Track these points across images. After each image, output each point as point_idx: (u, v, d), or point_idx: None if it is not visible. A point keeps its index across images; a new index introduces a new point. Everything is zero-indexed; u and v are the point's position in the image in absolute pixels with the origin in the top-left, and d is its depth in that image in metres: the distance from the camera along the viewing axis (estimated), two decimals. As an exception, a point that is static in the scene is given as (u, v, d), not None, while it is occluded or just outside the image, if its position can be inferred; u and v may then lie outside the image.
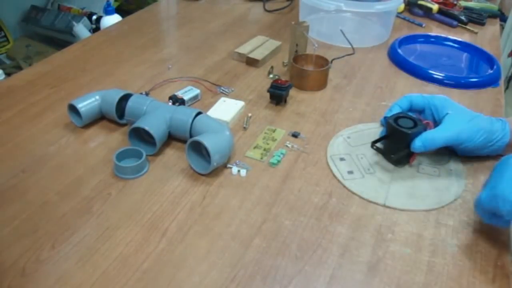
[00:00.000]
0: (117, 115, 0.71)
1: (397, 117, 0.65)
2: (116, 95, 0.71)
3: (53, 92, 0.82)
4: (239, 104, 0.77)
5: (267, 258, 0.52)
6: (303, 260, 0.52)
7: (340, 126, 0.75)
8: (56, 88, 0.83)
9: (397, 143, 0.64)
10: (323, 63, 0.87)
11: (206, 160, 0.64)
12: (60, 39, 2.01)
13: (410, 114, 0.66)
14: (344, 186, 0.63)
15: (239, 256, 0.52)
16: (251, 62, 0.94)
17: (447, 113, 0.63)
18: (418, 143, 0.61)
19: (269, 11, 1.25)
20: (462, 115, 0.63)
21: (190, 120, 0.67)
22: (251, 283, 0.49)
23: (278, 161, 0.66)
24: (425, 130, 0.62)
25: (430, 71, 0.92)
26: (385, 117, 0.68)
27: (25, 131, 0.72)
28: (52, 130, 0.72)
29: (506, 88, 2.27)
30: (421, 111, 0.68)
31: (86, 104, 0.71)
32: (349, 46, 0.93)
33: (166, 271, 0.50)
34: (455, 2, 1.27)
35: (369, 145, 0.65)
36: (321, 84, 0.87)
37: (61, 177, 0.62)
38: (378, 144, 0.65)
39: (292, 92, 0.82)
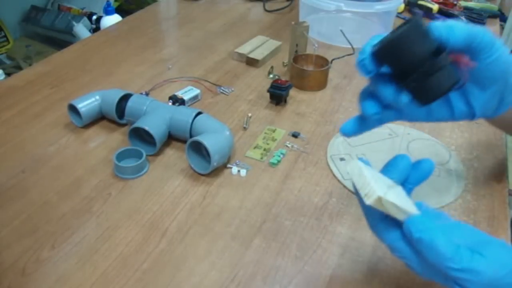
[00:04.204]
0: (117, 115, 0.71)
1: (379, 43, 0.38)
2: (116, 95, 0.71)
3: (53, 92, 0.82)
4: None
5: (267, 258, 0.52)
6: (303, 260, 0.52)
7: (340, 126, 0.75)
8: (56, 88, 0.83)
9: (416, 64, 0.37)
10: (323, 63, 0.87)
11: (206, 160, 0.64)
12: (60, 39, 2.01)
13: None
14: (344, 186, 0.63)
15: (239, 256, 0.52)
16: (251, 62, 0.94)
17: None
18: (440, 23, 0.38)
19: (269, 11, 1.25)
20: None
21: (190, 120, 0.67)
22: (251, 283, 0.49)
23: (278, 161, 0.66)
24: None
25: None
26: (359, 64, 0.39)
27: (25, 131, 0.72)
28: (52, 130, 0.72)
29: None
30: None
31: (86, 104, 0.71)
32: (349, 46, 0.93)
33: (166, 271, 0.50)
34: (455, 2, 1.27)
35: (370, 145, 0.65)
36: (321, 84, 0.87)
37: (61, 177, 0.62)
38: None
39: (292, 92, 0.82)
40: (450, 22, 0.38)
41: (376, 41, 0.39)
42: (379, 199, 0.35)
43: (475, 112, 0.44)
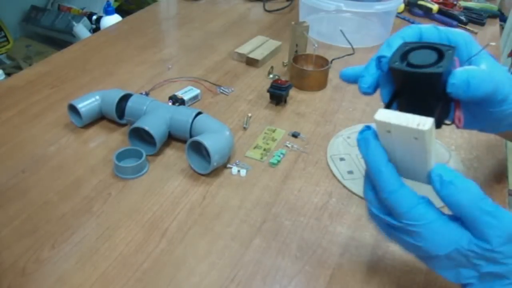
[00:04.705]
0: (117, 115, 0.71)
1: (404, 52, 0.39)
2: (116, 95, 0.71)
3: (53, 92, 0.82)
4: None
5: (267, 258, 0.52)
6: (303, 260, 0.52)
7: (340, 126, 0.75)
8: (56, 88, 0.83)
9: (420, 95, 0.39)
10: (323, 63, 0.87)
11: (206, 160, 0.64)
12: (60, 39, 2.01)
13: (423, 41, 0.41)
14: (344, 186, 0.63)
15: (239, 256, 0.52)
16: (251, 62, 0.94)
17: (476, 56, 0.41)
18: (460, 77, 0.36)
19: (269, 11, 1.25)
20: (498, 64, 0.42)
21: (190, 120, 0.67)
22: (251, 283, 0.49)
23: (278, 161, 0.66)
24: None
25: (430, 71, 0.92)
26: (378, 58, 0.40)
27: (25, 131, 0.72)
28: (52, 130, 0.72)
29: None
30: None
31: (86, 104, 0.71)
32: (349, 46, 0.93)
33: (166, 271, 0.50)
34: (455, 2, 1.27)
35: None
36: (321, 84, 0.87)
37: (61, 177, 0.62)
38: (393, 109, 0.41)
39: (292, 92, 0.82)
40: (471, 75, 0.37)
41: (409, 38, 0.40)
42: (433, 125, 0.34)
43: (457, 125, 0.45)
